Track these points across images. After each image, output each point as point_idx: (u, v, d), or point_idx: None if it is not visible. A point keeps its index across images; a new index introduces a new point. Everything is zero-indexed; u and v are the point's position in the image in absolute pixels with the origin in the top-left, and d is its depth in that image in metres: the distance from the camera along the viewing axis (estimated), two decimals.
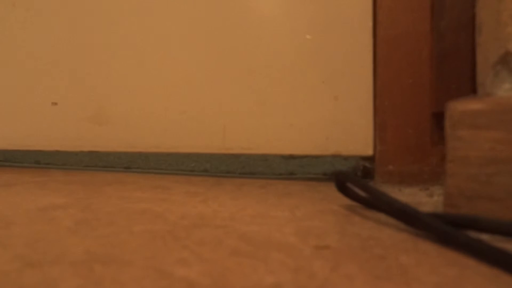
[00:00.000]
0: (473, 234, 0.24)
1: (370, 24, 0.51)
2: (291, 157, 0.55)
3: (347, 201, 0.37)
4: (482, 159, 0.28)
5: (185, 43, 0.60)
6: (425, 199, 0.39)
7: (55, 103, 0.69)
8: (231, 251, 0.24)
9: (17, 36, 0.72)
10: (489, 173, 0.28)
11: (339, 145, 0.53)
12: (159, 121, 0.62)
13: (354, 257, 0.23)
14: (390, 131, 0.46)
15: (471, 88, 0.42)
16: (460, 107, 0.30)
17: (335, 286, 0.19)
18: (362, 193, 0.34)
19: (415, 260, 0.22)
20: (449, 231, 0.24)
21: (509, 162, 0.28)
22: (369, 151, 0.51)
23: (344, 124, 0.53)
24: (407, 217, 0.27)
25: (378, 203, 0.31)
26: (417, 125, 0.45)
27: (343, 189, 0.36)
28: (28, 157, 0.72)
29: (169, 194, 0.43)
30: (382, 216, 0.32)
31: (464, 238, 0.23)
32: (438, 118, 0.45)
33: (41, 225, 0.30)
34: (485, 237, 0.24)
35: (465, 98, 0.32)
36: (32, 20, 0.70)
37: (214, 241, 0.26)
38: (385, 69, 0.47)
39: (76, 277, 0.20)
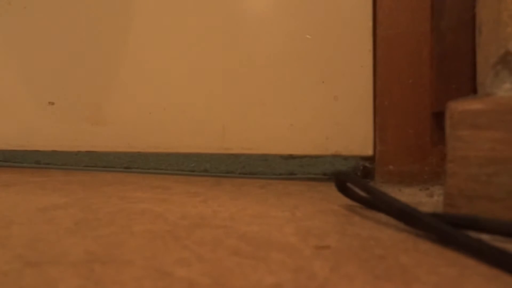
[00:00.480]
0: (473, 234, 0.24)
1: (370, 24, 0.51)
2: (291, 157, 0.55)
3: (347, 201, 0.37)
4: (482, 159, 0.28)
5: (185, 43, 0.60)
6: (425, 199, 0.39)
7: (52, 103, 0.69)
8: (231, 251, 0.24)
9: (13, 35, 0.71)
10: (489, 173, 0.28)
11: (339, 145, 0.53)
12: (158, 121, 0.62)
13: (354, 257, 0.23)
14: (390, 131, 0.46)
15: (471, 88, 0.42)
16: (460, 107, 0.30)
17: (335, 286, 0.19)
18: (362, 193, 0.34)
19: (415, 260, 0.22)
20: (449, 231, 0.24)
21: (509, 162, 0.28)
22: (369, 151, 0.51)
23: (344, 124, 0.52)
24: (407, 217, 0.27)
25: (378, 203, 0.31)
26: (417, 125, 0.45)
27: (343, 189, 0.36)
28: (28, 157, 0.72)
29: (169, 194, 0.43)
30: (382, 216, 0.32)
31: (464, 238, 0.23)
32: (438, 118, 0.45)
33: (41, 225, 0.30)
34: (485, 237, 0.24)
35: (465, 98, 0.32)
36: (29, 18, 0.70)
37: (214, 241, 0.26)
38: (385, 69, 0.47)
39: (76, 277, 0.20)
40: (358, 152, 0.52)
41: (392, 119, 0.46)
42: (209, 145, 0.59)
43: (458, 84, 0.43)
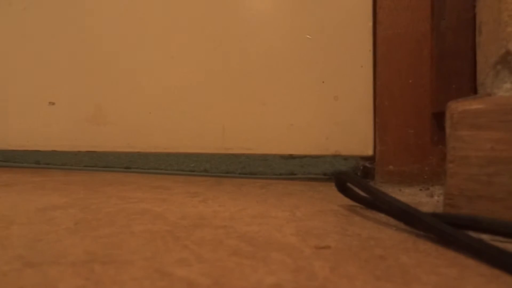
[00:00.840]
0: (473, 234, 0.24)
1: (370, 24, 0.51)
2: (291, 157, 0.55)
3: (347, 201, 0.37)
4: (482, 159, 0.28)
5: (185, 43, 0.60)
6: (425, 199, 0.39)
7: (52, 103, 0.69)
8: (231, 251, 0.24)
9: (13, 35, 0.71)
10: (490, 173, 0.28)
11: (339, 145, 0.53)
12: (158, 121, 0.62)
13: (354, 257, 0.23)
14: (390, 131, 0.46)
15: (471, 88, 0.42)
16: (460, 107, 0.30)
17: (335, 287, 0.19)
18: (362, 193, 0.34)
19: (415, 260, 0.22)
20: (449, 231, 0.24)
21: (509, 162, 0.28)
22: (369, 151, 0.51)
23: (344, 124, 0.52)
24: (407, 217, 0.27)
25: (378, 203, 0.31)
26: (417, 125, 0.45)
27: (343, 189, 0.36)
28: (28, 157, 0.72)
29: (169, 194, 0.43)
30: (382, 216, 0.32)
31: (465, 238, 0.23)
32: (438, 118, 0.44)
33: (41, 225, 0.30)
34: (485, 237, 0.24)
35: (466, 98, 0.32)
36: (29, 19, 0.70)
37: (214, 241, 0.26)
38: (385, 69, 0.47)
39: (76, 277, 0.20)
40: (358, 152, 0.52)
41: (392, 119, 0.46)
42: (209, 145, 0.59)
43: (458, 84, 0.43)
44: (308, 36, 0.54)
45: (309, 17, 0.54)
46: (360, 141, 0.52)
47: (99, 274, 0.20)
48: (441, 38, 0.44)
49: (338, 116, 0.53)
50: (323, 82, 0.53)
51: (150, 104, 0.63)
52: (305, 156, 0.55)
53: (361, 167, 0.52)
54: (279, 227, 0.29)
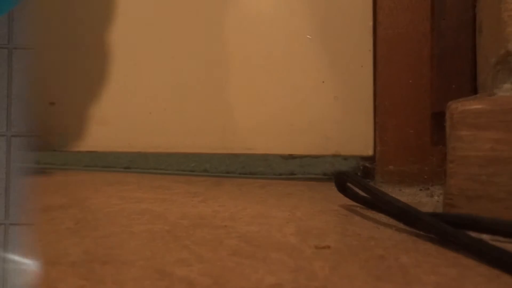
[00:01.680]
0: (473, 234, 0.24)
1: (370, 24, 0.51)
2: (291, 157, 0.55)
3: (347, 201, 0.37)
4: (482, 159, 0.28)
5: (185, 42, 0.60)
6: (425, 199, 0.39)
7: (53, 103, 0.69)
8: (231, 251, 0.24)
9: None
10: (490, 173, 0.28)
11: (339, 145, 0.53)
12: (158, 121, 0.62)
13: (354, 257, 0.23)
14: (390, 131, 0.46)
15: (471, 88, 0.42)
16: (460, 107, 0.30)
17: (335, 287, 0.19)
18: (362, 193, 0.34)
19: (415, 260, 0.22)
20: (449, 231, 0.24)
21: (509, 162, 0.28)
22: (369, 151, 0.51)
23: (344, 124, 0.52)
24: (408, 217, 0.27)
25: (378, 203, 0.31)
26: (417, 125, 0.45)
27: (343, 189, 0.36)
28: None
29: (169, 194, 0.43)
30: (382, 216, 0.32)
31: (465, 238, 0.23)
32: (438, 118, 0.44)
33: (41, 225, 0.30)
34: (485, 237, 0.24)
35: (466, 98, 0.32)
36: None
37: (214, 241, 0.26)
38: (385, 69, 0.47)
39: (76, 277, 0.20)
40: (358, 152, 0.52)
41: (392, 119, 0.46)
42: (209, 145, 0.59)
43: (458, 84, 0.43)
44: (308, 36, 0.54)
45: (309, 17, 0.54)
46: (360, 141, 0.52)
47: (99, 274, 0.20)
48: (441, 38, 0.44)
49: (338, 116, 0.53)
50: (323, 82, 0.53)
51: (150, 104, 0.62)
52: (305, 156, 0.55)
53: (361, 167, 0.52)
54: (279, 227, 0.29)
